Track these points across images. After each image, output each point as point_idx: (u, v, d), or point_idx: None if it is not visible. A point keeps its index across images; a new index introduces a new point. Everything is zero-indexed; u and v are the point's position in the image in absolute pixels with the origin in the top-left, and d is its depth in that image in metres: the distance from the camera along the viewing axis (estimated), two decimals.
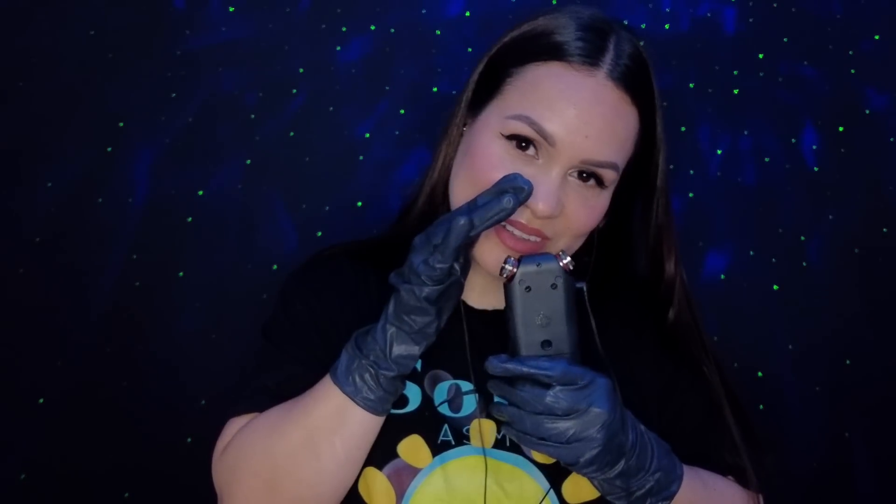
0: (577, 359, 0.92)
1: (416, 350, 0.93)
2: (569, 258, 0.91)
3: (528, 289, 0.90)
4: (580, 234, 1.01)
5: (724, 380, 1.08)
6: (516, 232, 0.97)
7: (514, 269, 0.91)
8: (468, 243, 0.90)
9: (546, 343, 0.91)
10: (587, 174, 0.98)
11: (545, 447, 0.90)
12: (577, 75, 0.97)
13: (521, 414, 0.89)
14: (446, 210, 1.04)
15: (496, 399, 0.93)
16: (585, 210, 0.98)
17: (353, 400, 0.93)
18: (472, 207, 0.88)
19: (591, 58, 0.97)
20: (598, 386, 0.90)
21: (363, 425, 0.95)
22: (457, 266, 0.90)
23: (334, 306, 1.05)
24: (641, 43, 1.02)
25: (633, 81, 0.99)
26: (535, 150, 0.97)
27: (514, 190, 0.88)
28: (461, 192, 1.00)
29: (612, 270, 1.11)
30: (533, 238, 0.97)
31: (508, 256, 0.92)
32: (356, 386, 0.93)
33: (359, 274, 1.09)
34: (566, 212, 0.97)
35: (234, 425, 1.03)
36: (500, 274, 0.91)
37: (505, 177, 0.90)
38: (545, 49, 0.98)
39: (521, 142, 0.97)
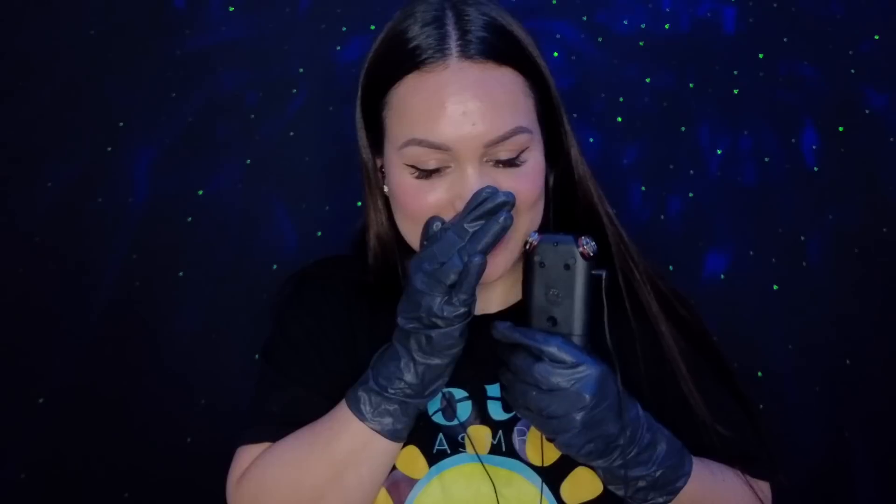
0: (583, 343, 0.92)
1: (447, 376, 0.94)
2: (591, 244, 0.92)
3: (542, 264, 0.92)
4: (532, 203, 0.99)
5: (694, 338, 1.07)
6: None
7: (535, 243, 0.93)
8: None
9: (552, 320, 0.92)
10: (504, 158, 0.96)
11: (528, 416, 0.92)
12: (432, 75, 0.95)
13: (513, 380, 0.92)
14: (403, 250, 1.03)
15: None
16: (521, 180, 0.97)
17: (380, 434, 0.94)
18: (470, 237, 0.88)
19: (438, 51, 0.95)
20: (590, 371, 0.90)
21: (389, 453, 0.96)
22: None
23: (329, 324, 1.05)
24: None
25: (489, 46, 0.96)
26: (441, 163, 0.96)
27: (501, 206, 0.89)
28: (407, 230, 1.00)
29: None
30: None
31: (534, 231, 0.95)
32: (382, 423, 0.94)
33: (351, 292, 1.08)
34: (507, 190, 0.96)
35: (246, 454, 1.02)
36: (524, 246, 0.94)
37: (481, 195, 0.90)
38: (394, 68, 0.97)
39: (425, 163, 0.96)
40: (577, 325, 0.92)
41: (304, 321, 1.06)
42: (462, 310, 0.89)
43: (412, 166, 0.96)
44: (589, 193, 1.06)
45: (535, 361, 0.90)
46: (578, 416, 0.89)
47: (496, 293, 1.06)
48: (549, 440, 0.93)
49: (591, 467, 0.96)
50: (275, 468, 0.99)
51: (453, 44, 0.95)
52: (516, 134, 0.95)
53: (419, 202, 0.96)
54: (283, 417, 1.01)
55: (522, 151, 0.97)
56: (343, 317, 1.05)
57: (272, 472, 0.99)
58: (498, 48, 0.96)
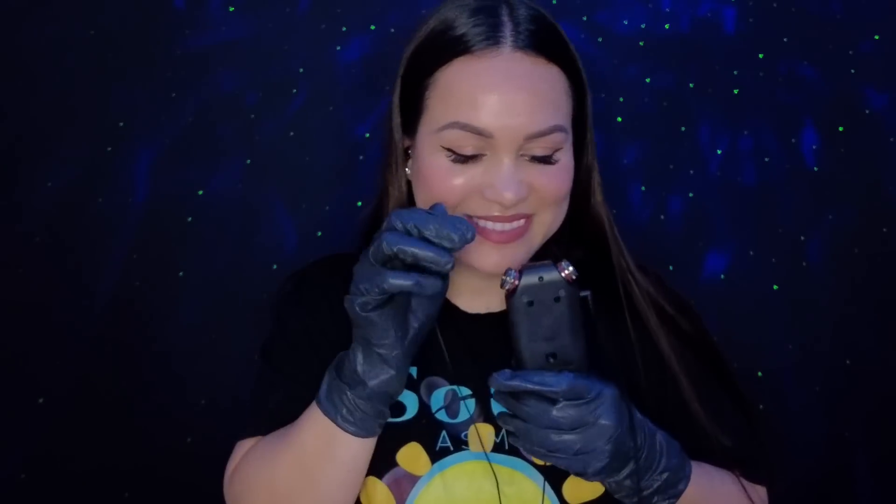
0: (585, 368, 0.90)
1: (386, 372, 0.91)
2: (571, 268, 0.89)
3: (531, 303, 0.88)
4: (559, 200, 1.00)
5: (693, 343, 1.07)
6: (497, 226, 0.97)
7: (516, 283, 0.88)
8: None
9: (551, 356, 0.89)
10: (539, 154, 0.96)
11: (553, 458, 0.89)
12: (483, 61, 0.95)
13: (527, 427, 0.89)
14: None
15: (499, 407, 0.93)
16: (552, 177, 0.97)
17: (335, 424, 0.93)
18: (402, 241, 0.85)
19: (490, 38, 0.95)
20: (605, 397, 0.89)
21: (350, 449, 0.94)
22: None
23: (329, 322, 1.05)
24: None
25: (541, 41, 0.97)
26: (477, 150, 0.96)
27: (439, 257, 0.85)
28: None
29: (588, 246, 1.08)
30: (516, 224, 0.97)
31: (509, 269, 0.90)
32: (336, 409, 0.93)
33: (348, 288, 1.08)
34: (535, 187, 0.96)
35: (241, 449, 1.04)
36: (502, 286, 0.90)
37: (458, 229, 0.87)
38: (445, 49, 0.97)
39: (464, 147, 0.96)
40: (577, 354, 0.90)
41: (303, 319, 1.07)
42: (359, 298, 0.87)
43: (448, 149, 0.96)
44: (598, 205, 1.06)
45: (550, 405, 0.88)
46: (608, 446, 0.88)
47: (500, 291, 1.06)
48: (578, 475, 0.91)
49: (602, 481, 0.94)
50: (254, 463, 0.99)
51: (508, 33, 0.96)
52: (555, 132, 0.96)
53: (448, 185, 0.96)
54: (279, 414, 1.02)
55: (557, 150, 0.97)
56: (342, 315, 1.05)
57: (251, 469, 1.00)
58: (549, 45, 0.97)
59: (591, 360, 0.91)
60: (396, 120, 1.04)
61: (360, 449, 0.95)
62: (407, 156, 1.04)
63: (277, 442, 0.99)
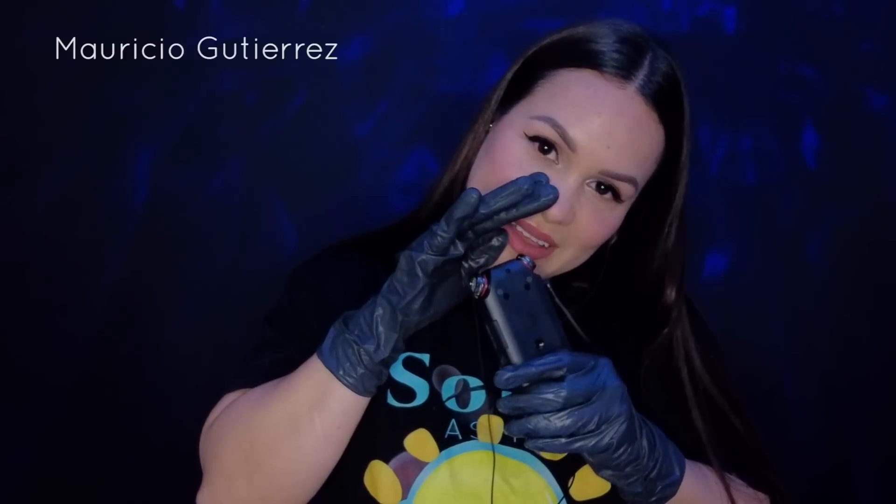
0: (569, 348, 0.92)
1: (399, 324, 0.91)
2: (528, 258, 0.92)
3: (507, 296, 0.90)
4: (589, 246, 1.01)
5: (717, 418, 1.07)
6: (525, 233, 0.97)
7: (486, 285, 0.90)
8: (486, 230, 0.89)
9: (539, 341, 0.91)
10: (605, 186, 0.97)
11: (580, 444, 0.88)
12: (608, 85, 0.96)
13: (545, 420, 0.87)
14: None
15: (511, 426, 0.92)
16: (597, 221, 0.98)
17: (334, 376, 0.91)
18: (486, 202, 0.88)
19: (625, 70, 0.97)
20: (603, 364, 0.91)
21: (343, 403, 0.93)
22: (460, 245, 0.89)
23: (340, 296, 1.04)
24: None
25: (664, 100, 0.99)
26: (555, 154, 0.96)
27: (535, 184, 0.88)
28: (475, 184, 1.00)
29: (622, 282, 1.10)
30: (541, 243, 0.97)
31: (475, 277, 0.91)
32: (338, 361, 0.91)
33: (367, 265, 1.09)
34: (577, 220, 0.97)
35: (226, 401, 1.03)
36: (475, 294, 0.91)
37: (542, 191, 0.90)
38: (580, 55, 0.98)
39: (543, 144, 0.96)
40: (559, 336, 0.92)
41: (312, 289, 1.08)
42: (435, 240, 0.87)
43: (530, 139, 0.96)
44: (670, 304, 1.08)
45: (560, 383, 0.87)
46: (625, 406, 0.89)
47: None
48: (605, 451, 0.89)
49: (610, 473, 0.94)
50: (240, 409, 0.98)
51: (640, 74, 0.97)
52: (628, 182, 0.97)
53: (509, 170, 0.96)
54: (270, 370, 1.00)
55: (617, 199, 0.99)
56: (357, 291, 1.02)
57: (234, 414, 0.98)
58: (667, 107, 0.99)
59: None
60: (499, 94, 1.05)
61: (352, 406, 0.93)
62: (486, 131, 1.05)
63: (268, 391, 0.97)
